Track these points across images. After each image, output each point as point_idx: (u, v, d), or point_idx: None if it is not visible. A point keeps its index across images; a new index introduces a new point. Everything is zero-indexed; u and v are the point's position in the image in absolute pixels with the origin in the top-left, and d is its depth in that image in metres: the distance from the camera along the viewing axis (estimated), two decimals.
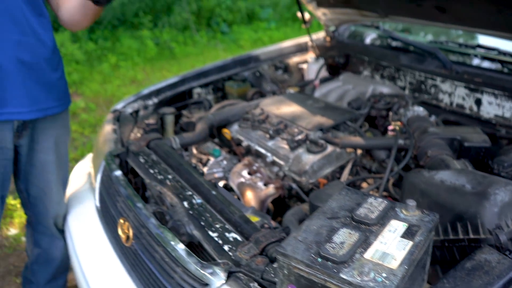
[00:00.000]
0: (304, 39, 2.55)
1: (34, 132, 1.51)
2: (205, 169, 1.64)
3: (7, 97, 1.36)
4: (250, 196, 1.42)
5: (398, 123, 1.57)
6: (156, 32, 6.29)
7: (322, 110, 1.65)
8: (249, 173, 1.57)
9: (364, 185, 1.47)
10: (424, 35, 2.31)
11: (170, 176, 1.33)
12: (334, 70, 2.24)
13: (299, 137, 1.50)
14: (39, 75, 1.43)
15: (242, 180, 1.52)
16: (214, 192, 1.20)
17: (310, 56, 2.38)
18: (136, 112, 1.94)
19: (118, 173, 1.40)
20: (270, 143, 1.56)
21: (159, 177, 1.33)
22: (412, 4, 1.74)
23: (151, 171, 1.37)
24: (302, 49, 2.51)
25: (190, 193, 1.24)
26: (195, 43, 6.61)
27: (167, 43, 6.12)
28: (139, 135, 1.73)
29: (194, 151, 1.77)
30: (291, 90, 1.93)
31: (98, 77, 5.08)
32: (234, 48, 6.77)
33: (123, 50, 5.67)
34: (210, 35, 6.97)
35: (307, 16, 2.36)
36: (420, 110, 1.61)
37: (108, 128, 1.76)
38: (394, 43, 2.09)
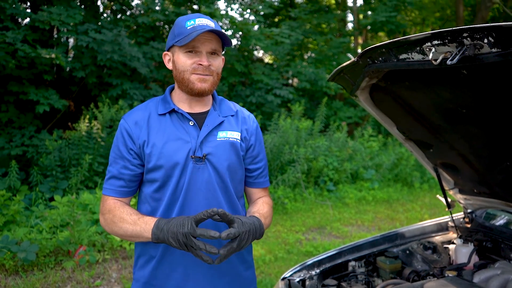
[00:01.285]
0: (443, 218, 2.75)
1: None
2: None
3: None
4: None
5: None
6: (271, 189, 6.83)
7: None
8: None
9: None
10: None
11: None
12: (480, 253, 2.35)
13: None
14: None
15: None
16: None
17: (454, 236, 2.54)
18: (303, 281, 2.18)
19: None
20: None
21: None
22: None
23: None
24: (442, 228, 2.68)
25: None
26: (304, 200, 7.02)
27: (280, 199, 6.58)
28: None
29: None
30: (450, 274, 2.06)
31: None
32: (340, 205, 7.06)
33: None
34: (318, 192, 7.38)
35: (445, 198, 2.58)
36: None
37: None
38: None
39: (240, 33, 9.29)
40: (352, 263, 2.35)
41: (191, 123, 1.64)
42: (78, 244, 4.37)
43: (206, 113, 1.70)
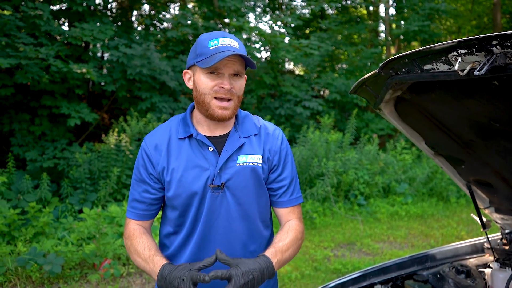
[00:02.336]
0: (478, 239, 2.56)
1: None
2: None
3: None
4: None
5: None
6: None
7: None
8: None
9: None
10: None
11: None
12: None
13: None
14: None
15: None
16: None
17: (490, 259, 2.35)
18: None
19: None
20: None
21: None
22: None
23: None
24: (477, 250, 2.50)
25: None
26: (333, 214, 6.84)
27: (308, 214, 6.44)
28: None
29: None
30: None
31: None
32: (371, 220, 6.83)
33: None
34: (348, 207, 7.18)
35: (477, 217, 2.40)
36: None
37: None
38: None
39: (269, 45, 9.27)
40: (378, 286, 2.21)
41: (210, 149, 1.59)
42: (103, 257, 4.38)
43: (226, 135, 1.64)
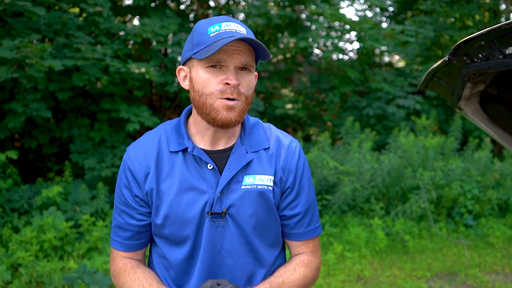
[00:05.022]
0: None
1: None
2: None
3: None
4: None
5: None
6: (388, 221, 6.36)
7: None
8: None
9: None
10: None
11: None
12: None
13: None
14: None
15: None
16: None
17: None
18: None
19: None
20: None
21: None
22: None
23: None
24: None
25: None
26: (432, 236, 6.39)
27: (399, 235, 6.08)
28: None
29: None
30: None
31: (322, 268, 5.24)
32: (482, 245, 6.29)
33: (351, 238, 5.83)
34: (451, 228, 6.68)
35: None
36: None
37: None
38: None
39: (354, 33, 8.98)
40: None
41: (209, 167, 1.43)
42: None
43: (230, 149, 1.48)
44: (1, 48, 5.36)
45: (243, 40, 1.33)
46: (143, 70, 6.39)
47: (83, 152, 6.82)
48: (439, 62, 1.60)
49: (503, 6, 13.24)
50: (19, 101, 6.00)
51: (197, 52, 1.36)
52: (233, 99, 1.36)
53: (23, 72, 5.69)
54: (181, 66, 1.49)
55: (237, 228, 1.45)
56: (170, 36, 7.44)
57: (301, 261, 1.53)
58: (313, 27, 9.24)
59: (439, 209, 6.84)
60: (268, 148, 1.51)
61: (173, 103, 8.28)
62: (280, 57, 9.15)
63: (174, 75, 7.39)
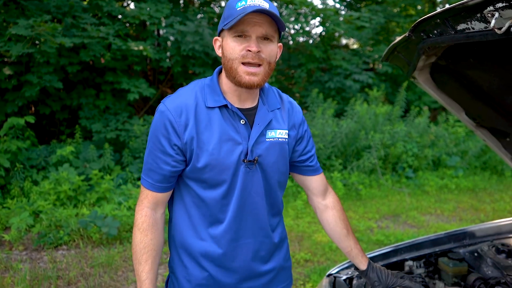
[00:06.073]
0: None
1: None
2: None
3: None
4: None
5: None
6: (345, 174, 6.47)
7: None
8: None
9: None
10: None
11: None
12: None
13: None
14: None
15: None
16: None
17: None
18: (350, 279, 1.91)
19: None
20: None
21: None
22: None
23: None
24: None
25: None
26: (380, 186, 6.54)
27: (354, 185, 6.20)
28: None
29: None
30: None
31: (292, 212, 5.34)
32: (419, 193, 6.47)
33: None
34: (395, 179, 6.84)
35: None
36: None
37: None
38: None
39: (318, 19, 8.86)
40: (409, 262, 2.02)
41: (242, 122, 1.43)
42: None
43: (255, 108, 1.48)
44: (17, 26, 5.11)
45: (263, 12, 1.30)
46: (141, 48, 6.21)
47: (90, 117, 6.66)
48: (399, 38, 1.59)
49: None
50: (34, 74, 5.78)
51: (226, 24, 1.34)
52: (257, 65, 1.35)
53: (36, 48, 5.46)
54: (216, 37, 1.46)
55: (263, 172, 1.48)
56: (163, 19, 7.21)
57: (340, 208, 1.68)
58: (284, 12, 9.07)
59: (386, 164, 6.97)
60: (280, 108, 1.54)
61: (166, 77, 8.10)
62: None
63: (167, 53, 7.21)
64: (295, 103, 1.63)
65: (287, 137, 1.51)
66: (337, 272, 1.93)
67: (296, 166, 1.63)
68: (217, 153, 1.40)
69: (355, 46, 12.44)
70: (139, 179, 5.82)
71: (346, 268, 1.95)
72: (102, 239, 4.22)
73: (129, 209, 4.75)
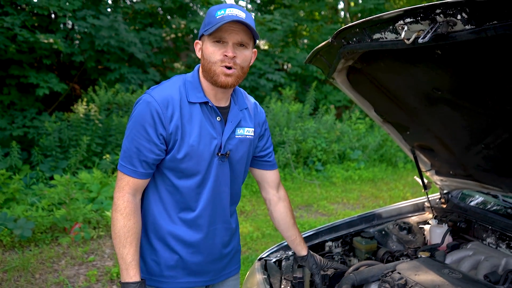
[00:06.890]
0: (420, 199, 2.62)
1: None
2: None
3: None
4: None
5: None
6: None
7: (462, 282, 1.64)
8: None
9: None
10: None
11: None
12: (454, 233, 2.24)
13: None
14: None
15: None
16: None
17: (429, 217, 2.42)
18: (279, 261, 2.06)
19: None
20: None
21: None
22: None
23: None
24: (419, 209, 2.56)
25: None
26: (293, 179, 6.90)
27: None
28: None
29: None
30: (423, 255, 1.95)
31: None
32: (328, 184, 6.94)
33: None
34: (307, 172, 7.26)
35: (420, 179, 2.45)
36: None
37: (259, 278, 1.88)
38: None
39: None
40: (329, 243, 2.24)
41: (218, 119, 1.56)
42: (74, 221, 4.26)
43: (228, 107, 1.61)
44: None
45: (240, 22, 1.42)
46: (51, 40, 5.81)
47: None
48: (323, 43, 1.76)
49: (341, 5, 14.22)
50: None
51: (206, 30, 1.46)
52: (230, 68, 1.47)
53: None
54: (197, 41, 1.56)
55: (231, 165, 1.61)
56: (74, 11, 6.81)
57: (288, 204, 1.88)
58: (201, 12, 9.09)
59: (298, 158, 7.36)
60: (247, 108, 1.69)
61: (78, 71, 7.65)
62: (172, 35, 8.89)
63: (80, 47, 6.82)
64: (258, 104, 1.79)
65: (253, 134, 1.67)
66: (267, 256, 2.08)
67: (256, 161, 1.78)
68: (196, 145, 1.51)
69: (266, 47, 12.88)
70: (51, 178, 5.46)
71: (275, 251, 2.11)
72: (14, 242, 3.91)
73: (43, 209, 4.44)
